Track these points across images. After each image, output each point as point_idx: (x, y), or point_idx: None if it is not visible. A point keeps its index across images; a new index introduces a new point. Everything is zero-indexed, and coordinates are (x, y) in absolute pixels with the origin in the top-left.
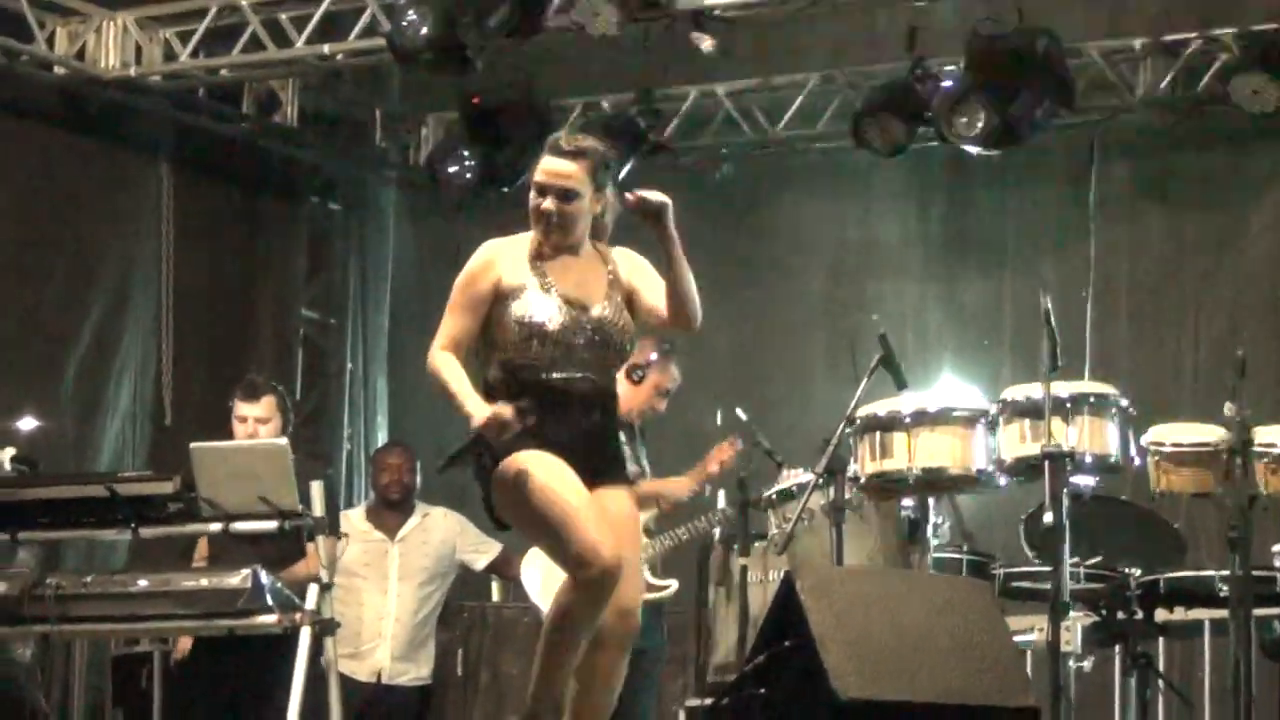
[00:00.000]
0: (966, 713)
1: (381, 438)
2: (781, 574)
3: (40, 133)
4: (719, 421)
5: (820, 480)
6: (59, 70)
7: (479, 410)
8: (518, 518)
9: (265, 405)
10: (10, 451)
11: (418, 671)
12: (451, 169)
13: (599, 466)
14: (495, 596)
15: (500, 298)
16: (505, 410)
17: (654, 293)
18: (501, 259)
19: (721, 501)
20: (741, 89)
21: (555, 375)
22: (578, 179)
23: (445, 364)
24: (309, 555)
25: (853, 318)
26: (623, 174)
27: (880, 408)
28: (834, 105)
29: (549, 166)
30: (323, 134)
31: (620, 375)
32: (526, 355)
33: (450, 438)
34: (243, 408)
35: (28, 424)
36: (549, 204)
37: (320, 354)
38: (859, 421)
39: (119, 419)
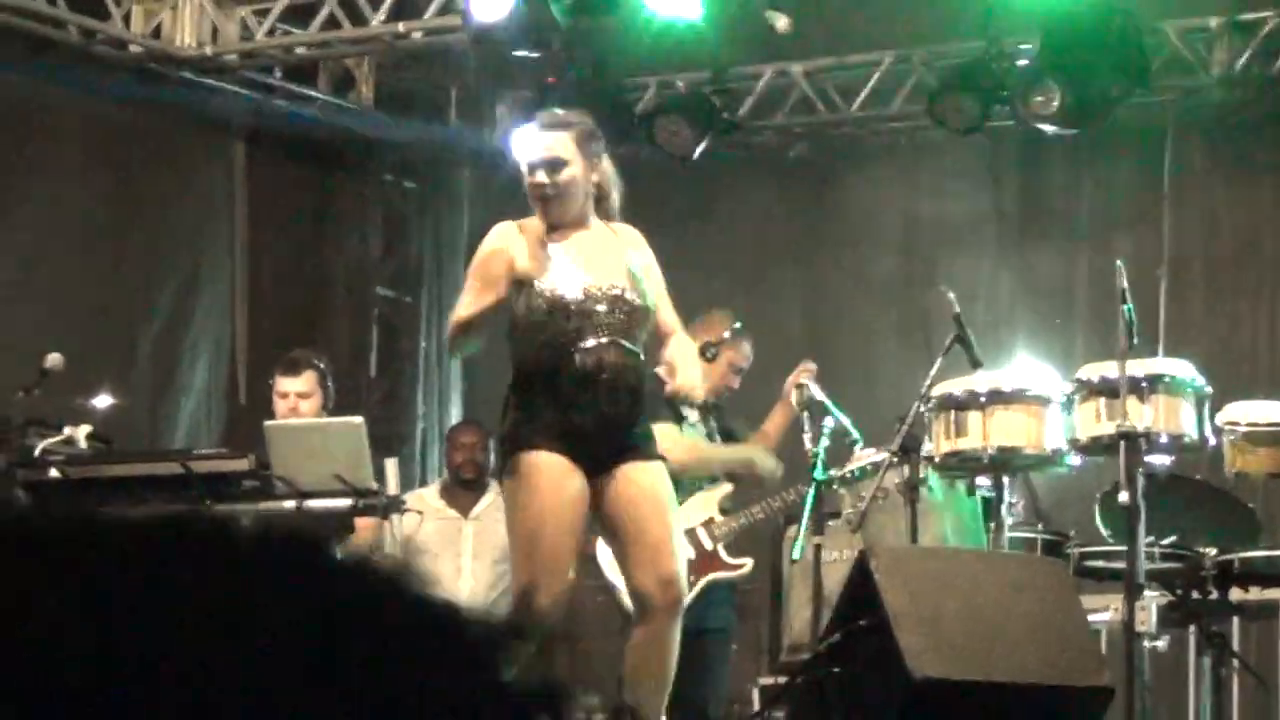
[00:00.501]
0: (1041, 692)
1: (455, 415)
2: (856, 553)
3: (115, 112)
4: (792, 400)
5: (895, 459)
6: (134, 49)
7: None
8: (508, 510)
9: (306, 380)
10: (85, 429)
11: None
12: None
13: (623, 447)
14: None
15: (516, 281)
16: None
17: (659, 304)
18: (514, 242)
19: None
20: (816, 68)
21: (582, 345)
22: (564, 149)
23: (461, 309)
24: (358, 530)
25: (925, 296)
26: (698, 152)
27: (955, 386)
28: (909, 84)
29: (533, 141)
30: (398, 112)
31: None
32: (551, 330)
33: None
34: (283, 383)
35: (103, 402)
36: (540, 177)
37: (395, 332)
38: (934, 400)
39: (194, 397)
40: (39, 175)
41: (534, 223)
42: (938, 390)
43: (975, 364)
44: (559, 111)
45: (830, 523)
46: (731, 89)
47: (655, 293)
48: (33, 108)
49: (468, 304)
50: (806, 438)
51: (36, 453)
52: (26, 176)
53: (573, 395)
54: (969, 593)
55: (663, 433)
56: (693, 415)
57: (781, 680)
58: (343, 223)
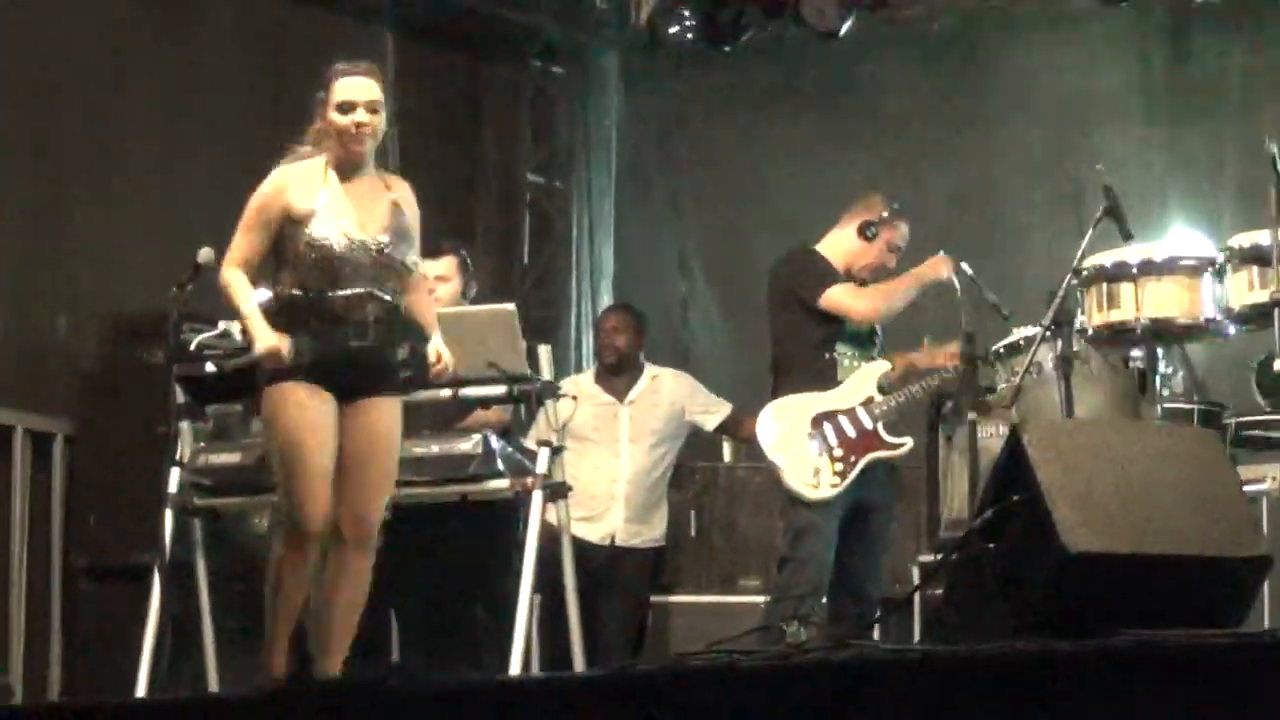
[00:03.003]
0: (1197, 563)
1: (606, 299)
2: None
3: (263, 3)
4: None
5: (1048, 333)
6: None
7: (264, 339)
8: (268, 439)
9: (445, 264)
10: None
11: (651, 533)
12: (672, 29)
13: (367, 381)
14: (727, 457)
15: (291, 221)
16: (284, 346)
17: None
18: (292, 185)
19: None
20: None
21: (339, 293)
22: (377, 93)
23: (235, 282)
24: (486, 415)
25: (1073, 169)
26: (844, 29)
27: (1107, 258)
28: None
29: (352, 84)
30: None
31: (853, 231)
32: (315, 274)
33: (667, 299)
34: (424, 265)
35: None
36: (361, 115)
37: (546, 218)
38: (1086, 273)
39: None
40: (193, 69)
41: (310, 165)
42: (1089, 263)
43: (1126, 235)
44: (362, 62)
45: (985, 399)
46: None
47: (412, 248)
48: (185, 3)
49: (238, 246)
50: (963, 317)
51: (192, 347)
52: (181, 70)
53: (325, 332)
54: (1122, 465)
55: (844, 292)
56: None
57: (939, 557)
58: (492, 110)
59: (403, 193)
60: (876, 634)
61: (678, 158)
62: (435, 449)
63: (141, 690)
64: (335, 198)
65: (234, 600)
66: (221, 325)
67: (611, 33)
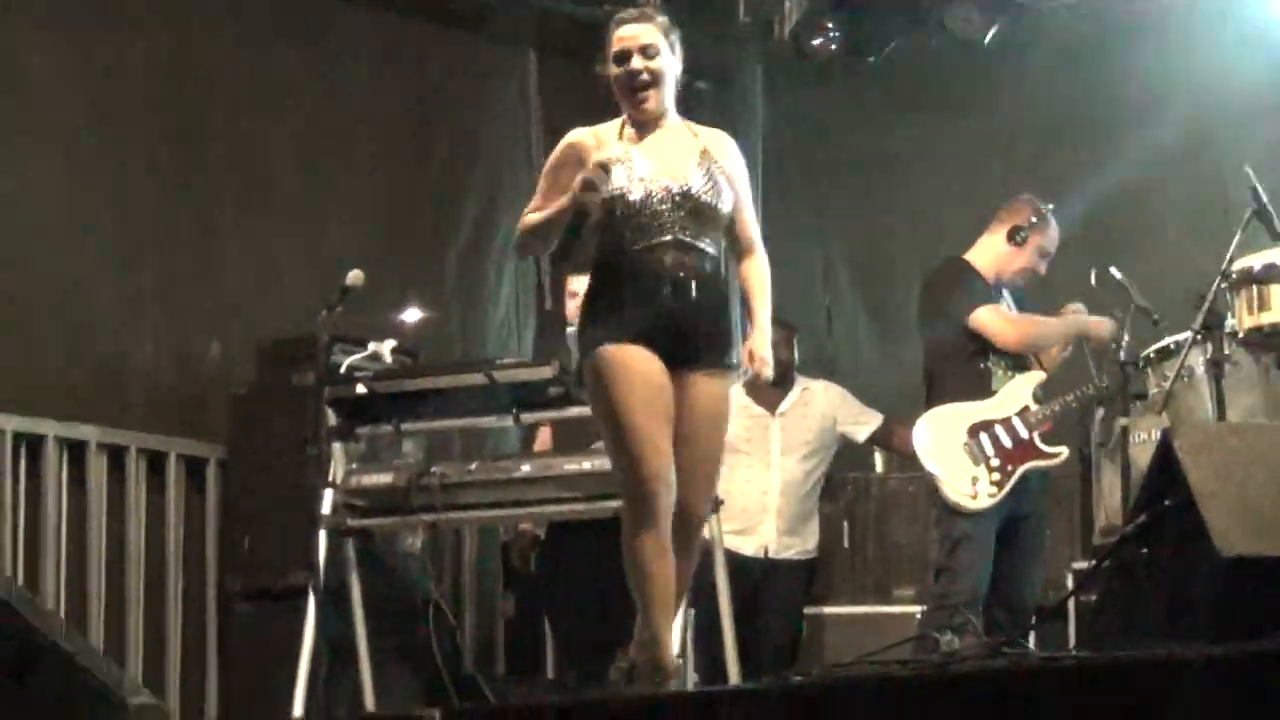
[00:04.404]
0: None
1: None
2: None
3: (406, 28)
4: (1093, 282)
5: (1198, 337)
6: None
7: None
8: (594, 411)
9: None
10: (390, 344)
11: (804, 545)
12: (815, 41)
13: (689, 351)
14: (879, 468)
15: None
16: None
17: (738, 214)
18: (587, 140)
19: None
20: None
21: (641, 245)
22: (654, 36)
23: (526, 211)
24: None
25: (1213, 167)
26: (989, 37)
27: (1255, 260)
28: None
29: (622, 33)
30: (685, 13)
31: (1002, 237)
32: (615, 232)
33: (812, 309)
34: (574, 282)
35: (412, 315)
36: (636, 63)
37: None
38: (1234, 275)
39: (502, 306)
40: (337, 96)
41: (608, 125)
42: (1238, 265)
43: (1276, 236)
44: (636, 9)
45: (1137, 404)
46: None
47: (734, 200)
48: (327, 25)
49: (532, 207)
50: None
51: (342, 369)
52: (325, 97)
53: (636, 296)
54: (1277, 467)
55: (992, 314)
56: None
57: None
58: None
59: (716, 141)
60: (1032, 641)
61: (822, 168)
62: (588, 465)
63: (298, 712)
64: (633, 151)
65: (388, 620)
66: (371, 346)
67: (754, 46)
